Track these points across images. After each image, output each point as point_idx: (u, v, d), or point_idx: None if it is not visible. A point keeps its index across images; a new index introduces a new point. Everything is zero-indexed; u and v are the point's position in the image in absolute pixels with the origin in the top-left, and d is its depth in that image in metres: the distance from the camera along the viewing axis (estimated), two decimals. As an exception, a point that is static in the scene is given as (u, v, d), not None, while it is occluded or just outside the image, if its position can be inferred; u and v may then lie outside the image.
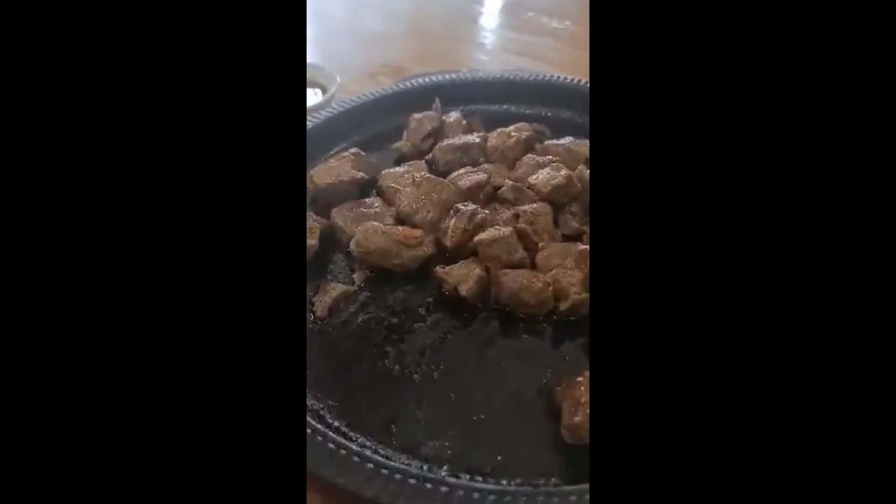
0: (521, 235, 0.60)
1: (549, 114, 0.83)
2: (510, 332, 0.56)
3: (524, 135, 0.72)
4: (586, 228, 0.62)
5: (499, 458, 0.47)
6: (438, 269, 0.59)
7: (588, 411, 0.46)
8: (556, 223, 0.63)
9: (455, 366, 0.53)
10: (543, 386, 0.52)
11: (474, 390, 0.51)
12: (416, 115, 0.76)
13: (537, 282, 0.56)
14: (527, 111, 0.84)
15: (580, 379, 0.49)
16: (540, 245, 0.59)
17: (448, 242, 0.60)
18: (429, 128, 0.75)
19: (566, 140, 0.73)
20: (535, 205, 0.62)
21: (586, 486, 0.44)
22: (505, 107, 0.85)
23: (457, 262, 0.59)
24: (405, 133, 0.76)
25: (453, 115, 0.78)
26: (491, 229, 0.59)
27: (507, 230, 0.59)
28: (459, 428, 0.49)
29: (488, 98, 0.85)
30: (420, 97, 0.80)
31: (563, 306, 0.55)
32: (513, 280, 0.56)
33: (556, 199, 0.63)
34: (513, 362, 0.54)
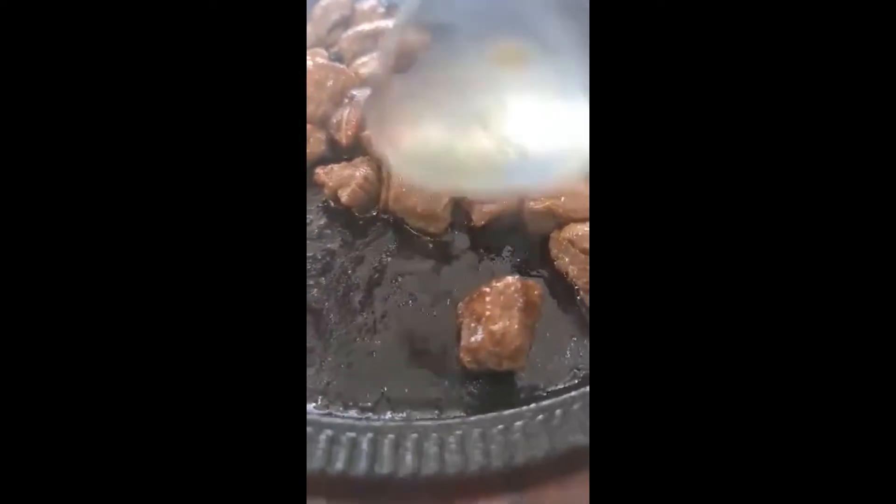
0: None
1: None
2: (410, 244, 0.45)
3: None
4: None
5: (384, 389, 0.37)
6: (319, 170, 0.48)
7: (492, 327, 0.36)
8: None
9: (338, 283, 0.43)
10: (446, 304, 0.41)
11: (358, 311, 0.41)
12: (322, 2, 0.64)
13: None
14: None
15: (486, 289, 0.38)
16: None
17: (342, 138, 0.49)
18: (336, 16, 0.63)
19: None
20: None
21: (484, 417, 0.34)
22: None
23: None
24: (308, 25, 0.64)
25: (368, 3, 0.65)
26: (391, 118, 0.48)
27: (411, 119, 0.47)
28: (337, 356, 0.39)
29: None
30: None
31: (478, 219, 0.44)
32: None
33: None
34: (411, 279, 0.43)
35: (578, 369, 0.38)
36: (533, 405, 0.34)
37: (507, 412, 0.33)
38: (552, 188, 0.38)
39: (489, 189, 0.33)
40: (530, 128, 0.30)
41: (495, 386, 0.37)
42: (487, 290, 0.38)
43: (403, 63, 0.30)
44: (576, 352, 0.39)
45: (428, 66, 0.30)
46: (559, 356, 0.39)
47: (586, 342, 0.39)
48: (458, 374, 0.38)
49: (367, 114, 0.33)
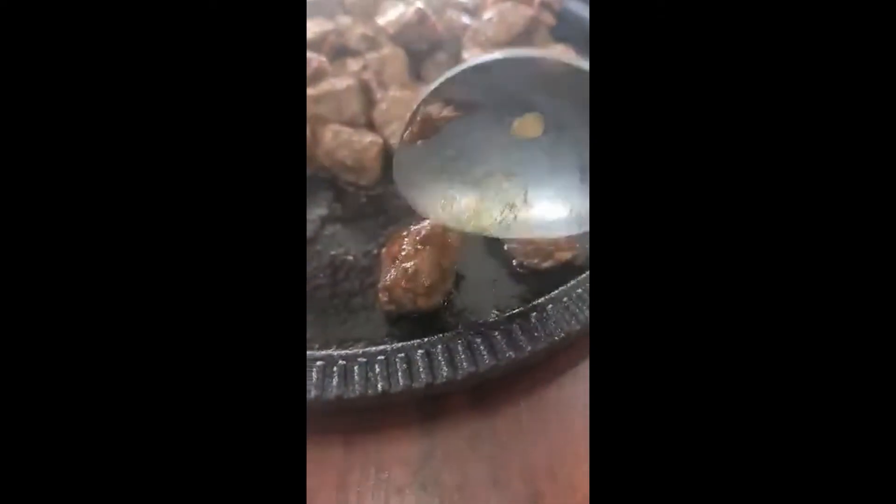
0: (365, 89, 0.49)
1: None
2: (340, 198, 0.46)
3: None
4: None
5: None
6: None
7: (404, 265, 0.36)
8: (418, 78, 0.52)
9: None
10: (372, 255, 0.42)
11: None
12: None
13: (361, 138, 0.45)
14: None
15: (405, 232, 0.39)
16: (378, 97, 0.48)
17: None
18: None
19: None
20: (384, 51, 0.51)
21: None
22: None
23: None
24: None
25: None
26: (323, 83, 0.49)
27: (344, 83, 0.48)
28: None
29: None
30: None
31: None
32: (332, 134, 0.45)
33: (412, 44, 0.52)
34: (337, 228, 0.44)
35: (501, 312, 0.38)
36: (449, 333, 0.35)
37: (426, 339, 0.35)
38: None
39: (507, 232, 0.37)
40: (545, 189, 0.36)
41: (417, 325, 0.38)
42: (405, 232, 0.39)
43: (427, 132, 0.35)
44: (499, 294, 0.39)
45: (451, 134, 0.34)
46: (480, 297, 0.39)
47: (512, 286, 0.39)
48: (382, 319, 0.38)
49: (395, 170, 0.36)
